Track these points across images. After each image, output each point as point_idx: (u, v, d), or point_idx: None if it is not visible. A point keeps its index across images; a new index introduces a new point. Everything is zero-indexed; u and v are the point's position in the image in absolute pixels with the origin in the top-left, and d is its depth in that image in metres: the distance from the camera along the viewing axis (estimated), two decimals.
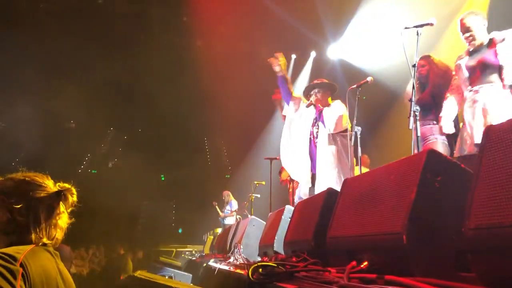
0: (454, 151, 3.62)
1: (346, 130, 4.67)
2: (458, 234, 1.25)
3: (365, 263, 1.67)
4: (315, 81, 5.37)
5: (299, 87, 12.40)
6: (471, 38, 3.56)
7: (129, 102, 17.82)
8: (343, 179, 4.53)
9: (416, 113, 3.15)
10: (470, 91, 3.51)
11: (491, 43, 3.48)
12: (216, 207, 12.11)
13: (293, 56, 12.79)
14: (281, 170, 7.98)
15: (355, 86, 4.42)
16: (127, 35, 13.75)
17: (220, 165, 22.96)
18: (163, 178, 22.22)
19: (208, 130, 20.57)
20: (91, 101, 15.33)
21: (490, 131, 1.29)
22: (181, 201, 21.16)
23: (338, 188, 4.18)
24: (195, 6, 11.60)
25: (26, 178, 1.74)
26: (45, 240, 1.69)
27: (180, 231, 19.25)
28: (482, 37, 3.54)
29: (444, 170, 1.57)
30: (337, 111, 4.82)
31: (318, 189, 4.62)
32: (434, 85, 4.02)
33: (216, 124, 17.83)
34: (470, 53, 3.64)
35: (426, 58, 4.15)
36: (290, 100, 5.27)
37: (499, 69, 3.36)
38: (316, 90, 5.19)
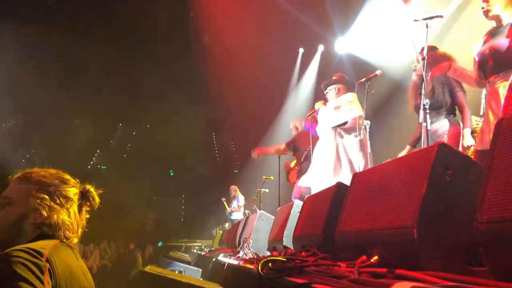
0: (475, 145, 3.52)
1: (344, 123, 4.72)
2: (470, 228, 1.23)
3: (375, 257, 1.66)
4: (340, 74, 5.37)
5: (306, 81, 12.38)
6: (485, 10, 3.25)
7: (137, 98, 17.90)
8: (340, 173, 4.63)
9: (426, 106, 3.12)
10: (488, 81, 3.27)
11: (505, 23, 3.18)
12: (224, 202, 12.13)
13: (301, 50, 12.75)
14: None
15: (364, 79, 4.40)
16: (134, 32, 13.81)
17: (229, 160, 23.01)
18: (172, 173, 22.33)
19: (216, 125, 20.62)
20: (100, 98, 15.43)
21: (502, 123, 1.27)
22: (190, 196, 21.26)
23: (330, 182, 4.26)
24: (202, 1, 11.61)
25: (59, 177, 1.78)
26: (75, 238, 1.75)
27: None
28: (498, 10, 3.22)
29: (455, 163, 1.56)
30: (329, 106, 4.91)
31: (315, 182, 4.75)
32: (437, 78, 3.89)
33: (224, 119, 17.86)
34: (488, 37, 3.34)
35: (430, 50, 3.82)
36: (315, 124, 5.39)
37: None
38: (336, 86, 5.20)
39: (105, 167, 22.25)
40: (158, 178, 20.47)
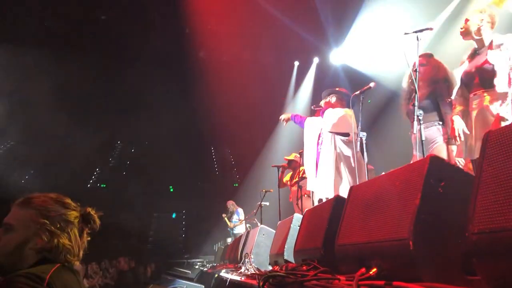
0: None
1: (346, 134, 4.76)
2: (463, 238, 1.27)
3: (374, 269, 1.69)
4: (336, 89, 5.50)
5: (302, 94, 12.46)
6: (462, 30, 3.50)
7: (135, 115, 17.96)
8: (340, 184, 4.67)
9: (420, 117, 3.17)
10: (475, 94, 3.41)
11: (489, 45, 3.37)
12: (225, 219, 12.10)
13: (296, 63, 12.86)
14: (282, 171, 7.90)
15: (358, 92, 4.45)
16: (129, 49, 13.91)
17: (228, 174, 23.00)
18: (172, 189, 22.29)
19: (215, 140, 20.65)
20: (98, 116, 15.48)
21: (490, 136, 1.31)
22: (190, 211, 21.21)
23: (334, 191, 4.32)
24: (197, 17, 11.72)
25: (60, 202, 1.81)
26: (76, 261, 1.77)
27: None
28: (471, 29, 3.45)
29: (447, 175, 1.60)
30: (338, 112, 4.97)
31: (318, 191, 4.80)
32: (430, 84, 3.95)
33: (222, 133, 17.90)
34: (470, 57, 3.55)
35: (426, 57, 4.07)
36: (305, 121, 5.49)
37: (493, 75, 3.26)
38: (332, 96, 5.30)
39: (105, 185, 22.23)
40: (158, 195, 20.44)
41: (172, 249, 19.38)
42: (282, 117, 5.94)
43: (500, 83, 3.17)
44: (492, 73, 3.25)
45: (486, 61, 3.31)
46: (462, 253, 1.45)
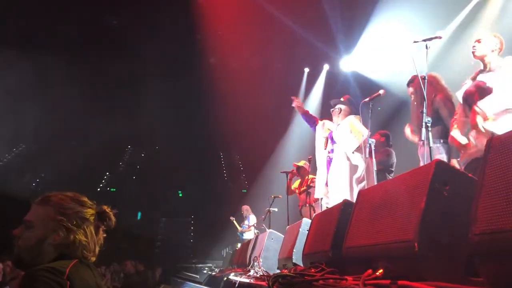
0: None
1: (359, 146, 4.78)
2: (466, 239, 1.32)
3: (380, 270, 1.74)
4: (341, 99, 5.48)
5: (312, 101, 12.48)
6: (474, 48, 3.54)
7: (144, 121, 18.10)
8: (355, 192, 4.68)
9: (428, 124, 3.21)
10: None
11: (494, 69, 3.43)
12: (234, 222, 12.11)
13: (306, 70, 12.89)
14: (290, 177, 7.90)
15: (367, 99, 4.49)
16: (141, 54, 14.06)
17: (237, 179, 23.03)
18: (180, 195, 22.36)
19: (224, 146, 20.71)
20: (109, 120, 15.63)
21: (493, 141, 1.36)
22: (199, 217, 21.25)
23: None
24: (208, 23, 11.84)
25: (76, 200, 1.89)
26: (92, 257, 1.85)
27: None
28: (484, 52, 3.51)
29: (451, 179, 1.65)
30: (344, 132, 4.98)
31: (332, 201, 4.81)
32: (433, 103, 3.99)
33: (231, 139, 17.96)
34: (473, 78, 3.60)
35: (429, 77, 4.07)
36: (316, 126, 5.50)
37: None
38: (340, 106, 5.30)
39: (114, 189, 22.38)
40: (167, 200, 20.53)
41: (180, 253, 19.42)
42: (295, 103, 5.81)
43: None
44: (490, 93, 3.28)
45: (487, 83, 3.35)
46: (466, 254, 1.50)
